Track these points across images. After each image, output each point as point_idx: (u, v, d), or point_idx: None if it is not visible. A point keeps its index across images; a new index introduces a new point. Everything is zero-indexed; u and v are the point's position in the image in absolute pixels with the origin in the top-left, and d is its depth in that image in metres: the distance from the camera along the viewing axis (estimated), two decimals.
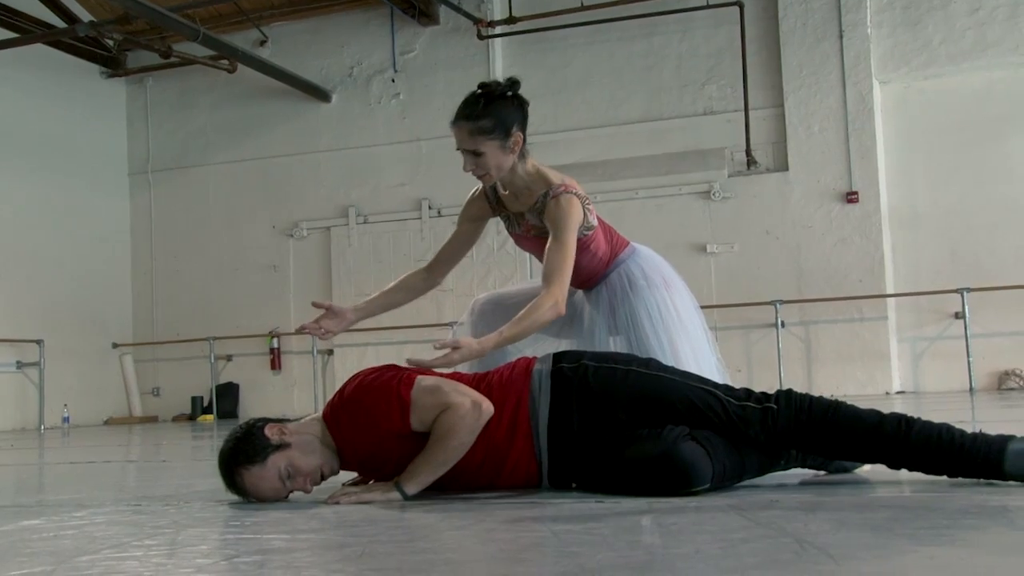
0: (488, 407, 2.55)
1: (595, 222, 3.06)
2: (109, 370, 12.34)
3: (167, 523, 2.36)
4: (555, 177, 3.01)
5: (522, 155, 2.98)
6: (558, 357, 2.71)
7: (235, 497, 2.63)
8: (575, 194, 2.96)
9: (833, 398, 2.54)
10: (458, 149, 2.95)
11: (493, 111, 2.90)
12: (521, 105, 2.96)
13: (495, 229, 11.14)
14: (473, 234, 3.28)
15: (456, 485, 2.61)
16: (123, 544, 2.04)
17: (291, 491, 2.61)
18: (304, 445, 2.59)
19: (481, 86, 2.96)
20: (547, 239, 2.99)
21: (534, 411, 2.61)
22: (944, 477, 2.39)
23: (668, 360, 2.89)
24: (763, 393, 2.54)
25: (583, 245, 3.01)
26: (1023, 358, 9.56)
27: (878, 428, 2.40)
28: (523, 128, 2.96)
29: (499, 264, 10.45)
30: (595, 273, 3.17)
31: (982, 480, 2.33)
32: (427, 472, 2.55)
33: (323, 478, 2.64)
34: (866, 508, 2.15)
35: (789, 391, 2.53)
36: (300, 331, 3.16)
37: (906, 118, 10.14)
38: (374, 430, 2.57)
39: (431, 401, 2.54)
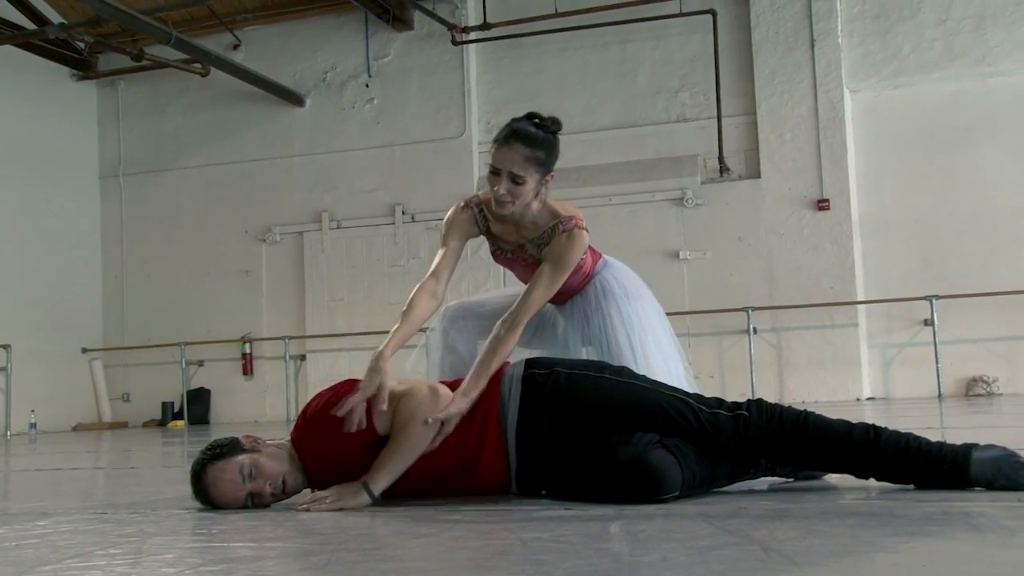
0: (445, 391, 2.58)
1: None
2: (78, 375, 12.20)
3: (133, 532, 2.33)
4: (562, 209, 2.98)
5: (540, 194, 2.95)
6: (530, 363, 2.73)
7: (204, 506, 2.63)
8: (585, 228, 2.96)
9: (804, 408, 2.56)
10: (497, 168, 2.84)
11: (548, 145, 2.88)
12: (559, 148, 2.96)
13: None
14: (462, 249, 3.25)
15: (428, 488, 2.62)
16: (86, 553, 2.01)
17: (250, 497, 2.60)
18: (272, 455, 2.65)
19: (535, 116, 2.91)
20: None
21: (504, 414, 2.62)
22: (911, 486, 2.42)
23: (640, 369, 2.91)
24: (734, 402, 2.57)
25: (577, 266, 3.01)
26: (990, 365, 9.67)
27: (847, 436, 2.43)
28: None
29: (473, 270, 10.44)
30: (578, 287, 3.18)
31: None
32: (393, 463, 2.55)
33: (285, 491, 2.64)
34: (832, 515, 2.16)
35: (760, 400, 2.56)
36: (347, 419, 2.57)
37: (876, 126, 10.25)
38: (341, 446, 2.59)
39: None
